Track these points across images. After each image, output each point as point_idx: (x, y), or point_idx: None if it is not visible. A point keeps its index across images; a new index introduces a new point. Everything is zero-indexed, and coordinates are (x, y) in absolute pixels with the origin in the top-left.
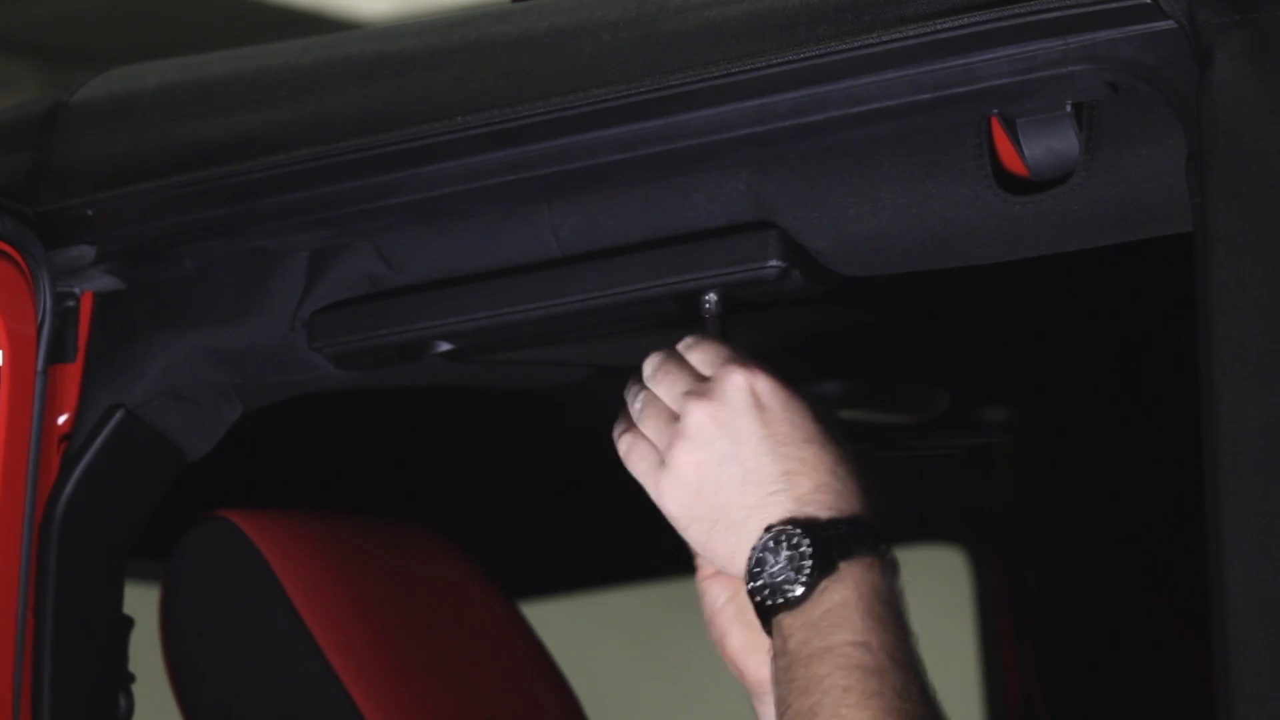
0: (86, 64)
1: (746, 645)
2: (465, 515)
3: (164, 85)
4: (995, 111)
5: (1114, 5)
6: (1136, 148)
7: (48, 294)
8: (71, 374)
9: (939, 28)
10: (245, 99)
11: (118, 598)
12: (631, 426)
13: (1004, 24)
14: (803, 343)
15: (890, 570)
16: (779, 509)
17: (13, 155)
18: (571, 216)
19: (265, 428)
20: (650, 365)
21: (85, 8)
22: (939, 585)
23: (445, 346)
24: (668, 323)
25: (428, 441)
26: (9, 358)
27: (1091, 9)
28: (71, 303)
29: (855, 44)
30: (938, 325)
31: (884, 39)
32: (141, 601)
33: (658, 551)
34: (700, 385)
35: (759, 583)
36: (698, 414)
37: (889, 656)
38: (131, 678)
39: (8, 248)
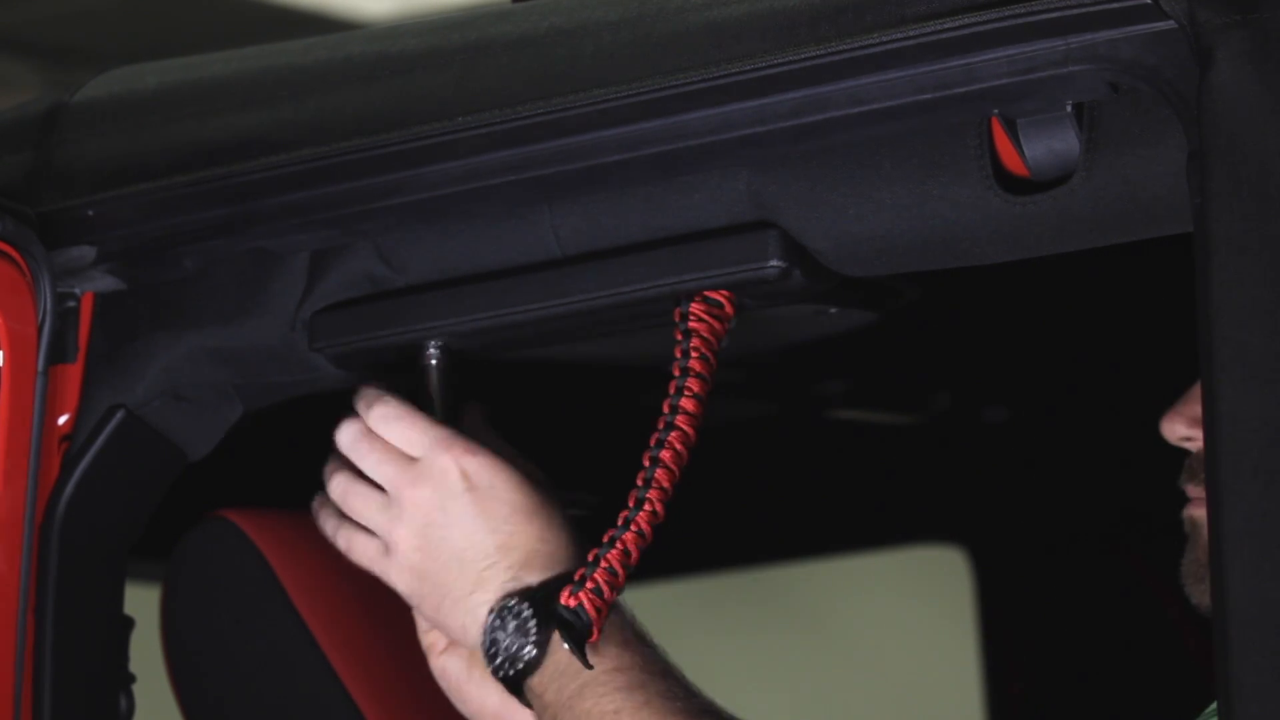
0: (86, 64)
1: (505, 701)
2: None
3: (164, 85)
4: (995, 111)
5: (1114, 5)
6: (1137, 148)
7: (48, 294)
8: (72, 374)
9: (939, 28)
10: (246, 99)
11: (118, 598)
12: (344, 520)
13: (1004, 24)
14: (803, 343)
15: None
16: (496, 582)
17: (13, 155)
18: (572, 217)
19: (265, 428)
20: (347, 437)
21: (85, 8)
22: (939, 585)
23: None
24: (668, 323)
25: None
26: (9, 358)
27: (1092, 9)
28: (72, 303)
29: (855, 44)
30: (937, 325)
31: (884, 39)
32: (141, 601)
33: (657, 550)
34: (410, 469)
35: (498, 661)
36: (411, 499)
37: (642, 670)
38: (132, 678)
39: (8, 248)
